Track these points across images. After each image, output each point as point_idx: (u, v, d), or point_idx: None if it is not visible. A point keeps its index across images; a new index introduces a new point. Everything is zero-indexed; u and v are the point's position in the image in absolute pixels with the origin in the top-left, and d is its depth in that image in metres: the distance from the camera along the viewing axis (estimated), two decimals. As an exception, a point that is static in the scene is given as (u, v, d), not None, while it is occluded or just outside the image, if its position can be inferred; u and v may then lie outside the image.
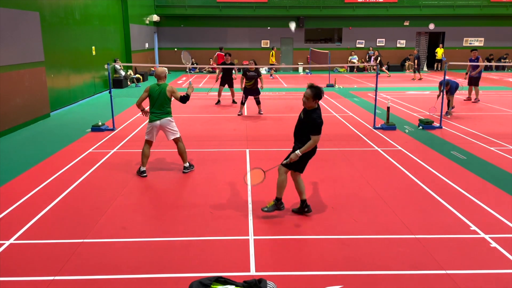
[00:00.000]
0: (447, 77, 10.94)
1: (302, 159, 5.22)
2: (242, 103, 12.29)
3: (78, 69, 14.63)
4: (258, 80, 12.17)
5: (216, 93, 14.63)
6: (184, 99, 6.85)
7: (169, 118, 6.91)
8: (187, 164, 7.14)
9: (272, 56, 23.47)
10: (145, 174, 6.94)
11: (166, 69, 6.96)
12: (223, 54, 21.83)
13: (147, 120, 7.02)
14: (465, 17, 26.96)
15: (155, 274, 4.08)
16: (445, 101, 11.28)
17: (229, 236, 4.84)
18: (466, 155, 8.07)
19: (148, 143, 7.00)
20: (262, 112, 12.31)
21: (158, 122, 6.83)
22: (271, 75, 24.06)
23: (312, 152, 5.30)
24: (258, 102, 12.32)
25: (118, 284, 3.94)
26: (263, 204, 5.72)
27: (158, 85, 6.82)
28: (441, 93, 10.74)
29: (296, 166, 5.29)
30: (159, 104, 6.80)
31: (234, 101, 14.23)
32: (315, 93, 5.14)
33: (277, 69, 25.62)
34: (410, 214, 5.42)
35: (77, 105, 14.08)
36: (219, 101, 14.20)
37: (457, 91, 11.94)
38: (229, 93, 14.69)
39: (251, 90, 12.12)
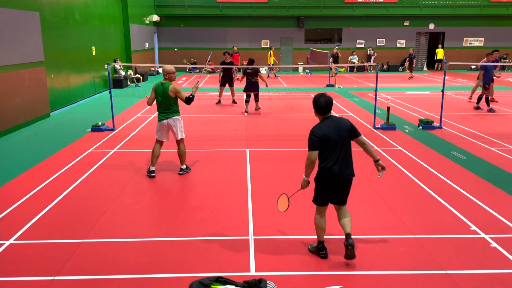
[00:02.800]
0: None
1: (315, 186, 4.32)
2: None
3: (78, 69, 14.63)
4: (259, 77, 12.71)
5: (217, 93, 14.68)
6: (188, 100, 6.79)
7: (176, 116, 6.81)
8: (184, 166, 7.06)
9: (270, 56, 23.22)
10: (153, 175, 6.85)
11: (172, 67, 6.76)
12: (234, 54, 21.96)
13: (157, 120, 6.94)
14: (465, 17, 26.96)
15: (155, 274, 4.08)
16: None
17: (229, 236, 4.84)
18: (466, 155, 8.07)
19: (159, 142, 6.90)
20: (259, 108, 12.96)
21: (165, 121, 6.76)
22: (275, 75, 23.94)
23: (322, 176, 4.22)
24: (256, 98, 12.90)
25: (118, 284, 3.93)
26: (263, 204, 5.73)
27: (162, 84, 6.69)
28: (443, 93, 10.71)
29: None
30: (164, 104, 6.71)
31: (234, 101, 14.23)
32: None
33: (278, 69, 25.48)
34: (410, 214, 5.42)
35: (77, 105, 14.08)
36: (219, 101, 14.21)
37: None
38: (229, 93, 14.71)
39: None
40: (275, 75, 23.88)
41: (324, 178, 4.20)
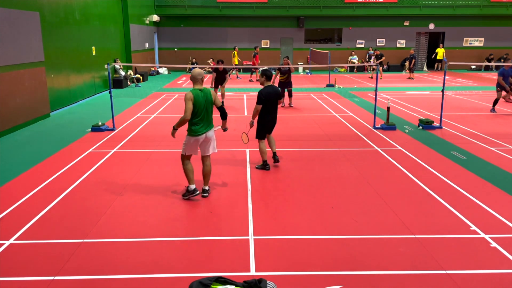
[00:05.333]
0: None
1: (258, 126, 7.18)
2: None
3: (78, 69, 14.63)
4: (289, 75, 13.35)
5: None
6: (223, 109, 6.05)
7: (215, 129, 6.07)
8: (207, 187, 6.07)
9: (234, 56, 22.47)
10: (198, 192, 5.92)
11: (202, 71, 5.90)
12: (256, 54, 21.80)
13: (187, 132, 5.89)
14: (465, 17, 26.96)
15: (155, 274, 4.08)
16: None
17: (229, 236, 4.84)
18: (466, 155, 8.07)
19: (188, 157, 5.93)
20: (292, 105, 13.75)
21: (204, 135, 5.85)
22: (237, 76, 23.54)
23: (262, 121, 7.07)
24: (290, 95, 13.66)
25: (118, 284, 3.94)
26: (263, 204, 5.76)
27: (202, 91, 5.69)
28: (443, 93, 10.72)
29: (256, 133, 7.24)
30: (207, 114, 5.80)
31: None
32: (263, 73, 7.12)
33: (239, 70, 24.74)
34: (410, 214, 5.42)
35: (77, 105, 14.08)
36: (219, 101, 14.16)
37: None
38: (232, 94, 14.67)
39: (284, 83, 13.33)
40: (237, 76, 23.53)
41: (264, 121, 7.11)
